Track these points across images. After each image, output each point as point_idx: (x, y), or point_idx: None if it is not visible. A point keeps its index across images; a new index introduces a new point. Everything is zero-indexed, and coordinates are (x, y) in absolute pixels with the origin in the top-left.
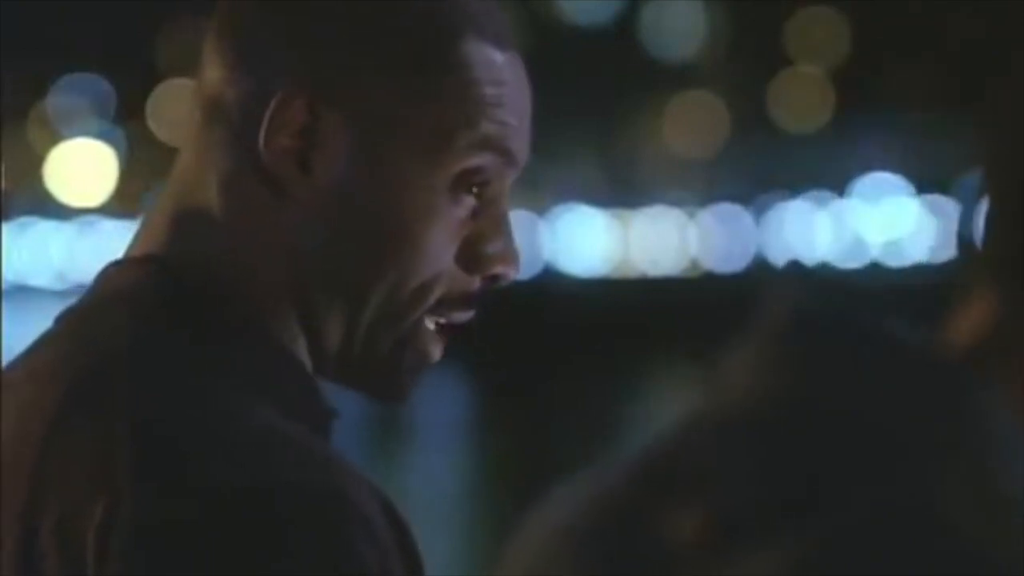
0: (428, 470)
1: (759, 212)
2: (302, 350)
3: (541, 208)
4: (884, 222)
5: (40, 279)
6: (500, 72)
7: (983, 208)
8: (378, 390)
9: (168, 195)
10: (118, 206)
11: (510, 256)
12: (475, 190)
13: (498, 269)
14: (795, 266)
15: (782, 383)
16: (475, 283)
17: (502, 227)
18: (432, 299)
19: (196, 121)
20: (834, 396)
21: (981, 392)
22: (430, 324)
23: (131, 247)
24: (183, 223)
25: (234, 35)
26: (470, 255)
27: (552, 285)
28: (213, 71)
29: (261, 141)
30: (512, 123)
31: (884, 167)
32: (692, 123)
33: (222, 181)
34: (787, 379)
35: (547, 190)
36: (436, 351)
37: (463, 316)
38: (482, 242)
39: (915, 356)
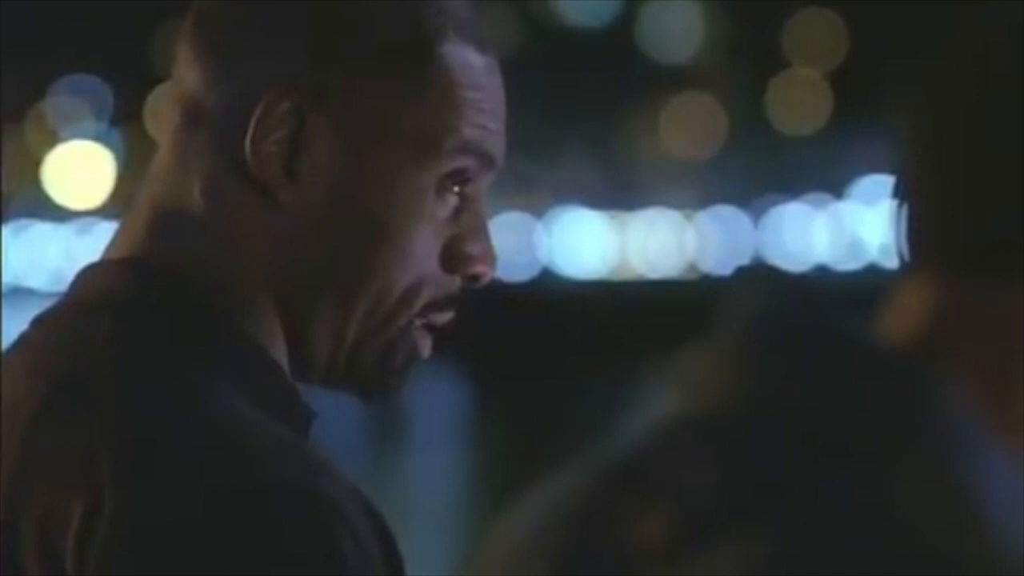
0: (425, 471)
1: (757, 214)
2: (280, 352)
3: (538, 210)
4: (882, 224)
5: (37, 281)
6: (480, 76)
7: (908, 207)
8: (366, 390)
9: (147, 197)
10: (116, 208)
11: (490, 256)
12: (456, 190)
13: (478, 269)
14: (759, 267)
15: (743, 384)
16: (456, 283)
17: (482, 227)
18: (420, 303)
19: (175, 123)
20: (794, 396)
21: (938, 388)
22: (416, 326)
23: (109, 249)
24: (162, 225)
25: (214, 38)
26: (452, 255)
27: (549, 287)
28: (192, 73)
29: (247, 147)
30: (491, 127)
31: (882, 169)
32: (690, 125)
33: (204, 185)
34: (748, 380)
35: (544, 192)
36: (425, 348)
37: (445, 318)
38: (464, 242)
39: (873, 354)
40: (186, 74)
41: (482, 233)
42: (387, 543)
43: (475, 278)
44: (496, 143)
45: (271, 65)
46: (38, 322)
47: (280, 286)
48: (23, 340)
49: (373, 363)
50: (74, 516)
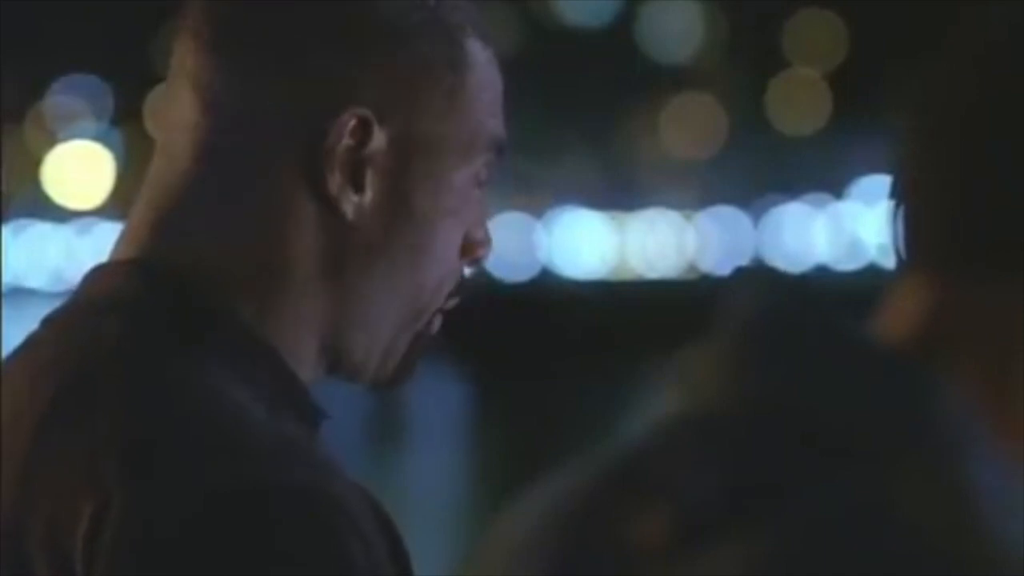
0: (426, 470)
1: (757, 214)
2: (297, 354)
3: (538, 210)
4: (882, 224)
5: (37, 281)
6: (492, 70)
7: (906, 208)
8: (384, 382)
9: (156, 197)
10: (115, 208)
11: (489, 239)
12: (479, 185)
13: (483, 252)
14: (758, 267)
15: (742, 384)
16: (464, 268)
17: (484, 213)
18: (444, 295)
19: (195, 124)
20: (794, 396)
21: (937, 387)
22: (435, 317)
23: (118, 247)
24: (173, 225)
25: (253, 42)
26: (467, 243)
27: (549, 287)
28: (224, 76)
29: (322, 158)
30: (501, 115)
31: (882, 169)
32: (690, 125)
33: (249, 188)
34: (747, 380)
35: (544, 192)
36: (435, 331)
37: (454, 302)
38: (475, 230)
39: (872, 354)
40: (213, 77)
41: (484, 218)
42: (394, 542)
43: (476, 261)
44: (504, 132)
45: (338, 77)
46: (47, 322)
47: (323, 294)
48: (32, 340)
49: (400, 358)
50: (83, 517)
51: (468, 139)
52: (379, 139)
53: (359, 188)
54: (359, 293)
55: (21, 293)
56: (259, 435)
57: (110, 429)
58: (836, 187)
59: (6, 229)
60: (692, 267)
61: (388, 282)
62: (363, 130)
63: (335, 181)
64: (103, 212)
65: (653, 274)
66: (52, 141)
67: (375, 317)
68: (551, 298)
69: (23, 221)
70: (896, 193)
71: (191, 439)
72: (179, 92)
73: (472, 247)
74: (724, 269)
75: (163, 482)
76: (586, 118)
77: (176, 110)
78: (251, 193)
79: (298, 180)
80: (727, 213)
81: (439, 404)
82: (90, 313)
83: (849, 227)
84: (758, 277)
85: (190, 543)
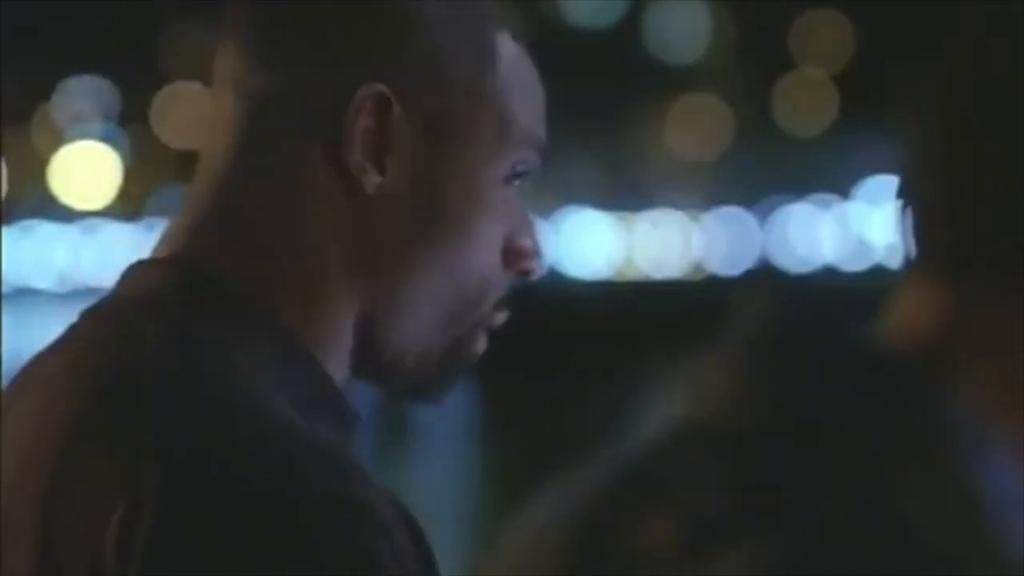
0: (430, 472)
1: (763, 215)
2: (331, 354)
3: (544, 210)
4: (888, 225)
5: (43, 281)
6: (525, 62)
7: (912, 209)
8: (421, 392)
9: (198, 194)
10: (121, 209)
11: (540, 250)
12: (516, 183)
13: (531, 264)
14: (765, 270)
15: (751, 390)
16: (509, 280)
17: (530, 221)
18: (489, 303)
19: (232, 119)
20: (798, 400)
21: (942, 392)
22: (481, 328)
23: (158, 246)
24: (212, 224)
25: (284, 38)
26: (509, 250)
27: (555, 287)
28: (261, 75)
29: (341, 139)
30: (540, 114)
31: (888, 170)
32: (696, 126)
33: (273, 182)
34: (756, 386)
35: (550, 192)
36: (481, 349)
37: (503, 318)
38: (519, 236)
39: (877, 361)
40: (248, 76)
41: (531, 227)
42: (423, 549)
43: (527, 273)
44: (544, 129)
45: (359, 61)
46: (87, 315)
47: (354, 284)
48: (71, 333)
49: (439, 363)
50: (116, 515)
51: (497, 132)
52: (400, 120)
53: (381, 170)
54: (391, 288)
55: (27, 293)
56: (295, 439)
57: (146, 428)
58: (843, 188)
59: (12, 229)
60: (698, 268)
61: (423, 280)
62: (382, 108)
63: (354, 159)
64: (109, 212)
65: (659, 274)
66: (59, 141)
67: (409, 316)
68: (557, 298)
69: (29, 221)
70: (902, 194)
71: (227, 442)
72: (220, 97)
73: (516, 254)
74: (730, 270)
75: (198, 484)
76: (592, 118)
77: (217, 114)
78: (282, 187)
79: (324, 168)
80: (733, 214)
81: (444, 404)
82: (129, 310)
83: (856, 228)
84: (766, 282)
85: (225, 546)
